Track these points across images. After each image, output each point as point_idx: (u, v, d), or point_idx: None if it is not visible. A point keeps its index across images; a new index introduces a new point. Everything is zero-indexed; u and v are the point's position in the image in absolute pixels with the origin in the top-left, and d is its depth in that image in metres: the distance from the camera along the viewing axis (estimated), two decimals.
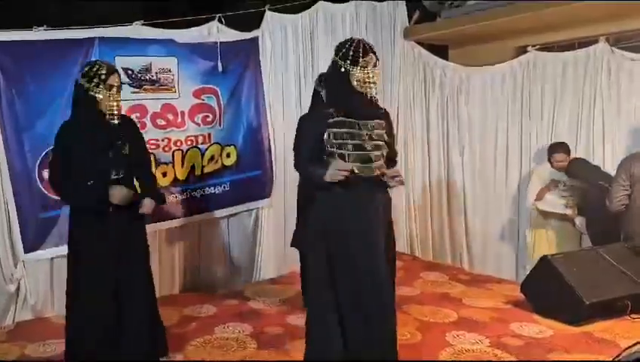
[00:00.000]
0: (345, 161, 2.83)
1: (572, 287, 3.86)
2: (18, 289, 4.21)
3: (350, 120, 2.87)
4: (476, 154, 5.74)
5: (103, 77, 3.03)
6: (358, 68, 2.82)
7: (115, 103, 3.07)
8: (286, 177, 5.12)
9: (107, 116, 3.07)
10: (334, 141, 2.85)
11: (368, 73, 2.82)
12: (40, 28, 4.09)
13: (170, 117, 4.61)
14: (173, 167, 4.64)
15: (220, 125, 4.86)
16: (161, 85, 4.55)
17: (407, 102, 6.09)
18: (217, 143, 4.85)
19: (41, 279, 4.27)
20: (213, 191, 4.86)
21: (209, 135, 4.82)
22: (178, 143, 4.66)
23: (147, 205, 3.21)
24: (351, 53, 2.83)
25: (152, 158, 4.17)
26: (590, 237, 4.61)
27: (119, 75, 3.18)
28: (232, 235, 5.13)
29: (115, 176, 3.11)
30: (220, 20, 4.81)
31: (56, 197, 4.14)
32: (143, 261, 3.25)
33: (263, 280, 5.14)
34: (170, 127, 4.61)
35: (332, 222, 2.89)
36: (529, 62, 5.30)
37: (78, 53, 4.21)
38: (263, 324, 4.03)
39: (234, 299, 4.58)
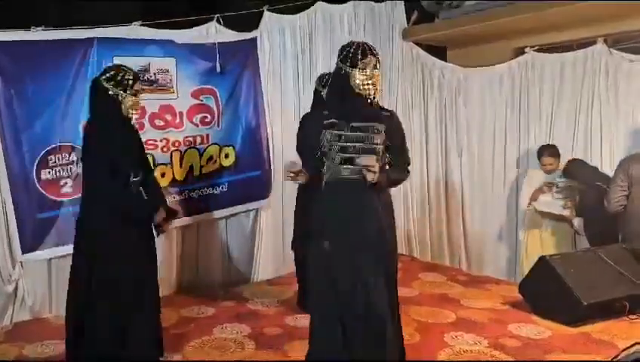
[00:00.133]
0: (332, 163, 2.88)
1: (570, 288, 3.87)
2: (16, 289, 4.20)
3: (339, 122, 2.89)
4: (474, 155, 5.75)
5: (130, 82, 3.10)
6: (357, 70, 2.82)
7: (138, 108, 3.20)
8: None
9: (130, 120, 3.18)
10: (326, 142, 2.89)
11: (367, 75, 2.82)
12: (38, 28, 4.09)
13: (169, 117, 4.60)
14: (172, 167, 4.64)
15: (218, 126, 4.86)
16: (160, 86, 4.55)
17: (405, 103, 6.09)
18: (216, 144, 4.85)
19: (39, 280, 4.26)
20: (211, 192, 4.86)
21: (207, 135, 4.81)
22: (176, 144, 4.66)
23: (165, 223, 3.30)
24: (350, 55, 2.84)
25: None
26: (588, 238, 4.62)
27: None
28: (231, 236, 5.13)
29: (135, 179, 3.16)
30: (218, 21, 4.81)
31: (55, 198, 4.19)
32: (155, 262, 3.31)
33: (261, 280, 5.15)
34: (168, 128, 4.61)
35: (317, 222, 2.98)
36: (527, 63, 5.30)
37: (77, 54, 4.22)
38: (261, 325, 4.03)
39: (232, 300, 4.58)
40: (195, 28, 4.76)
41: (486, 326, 3.98)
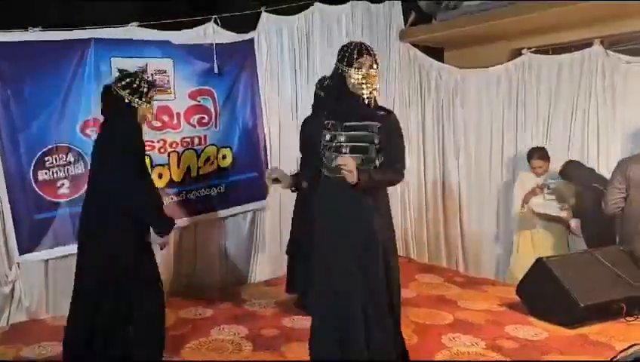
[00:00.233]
0: (329, 163, 2.90)
1: (567, 290, 3.87)
2: (13, 290, 4.19)
3: (335, 122, 2.91)
4: (471, 156, 5.76)
5: (145, 90, 3.15)
6: (353, 69, 2.84)
7: (152, 116, 3.32)
8: None
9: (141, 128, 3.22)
10: (324, 143, 2.93)
11: (363, 74, 2.83)
12: (35, 29, 4.08)
13: (166, 118, 4.60)
14: (169, 168, 4.64)
15: (215, 127, 4.85)
16: (157, 86, 4.53)
17: (402, 104, 6.09)
18: (213, 145, 4.85)
19: (36, 281, 4.25)
20: (208, 193, 4.85)
21: (205, 136, 4.80)
22: (174, 145, 4.65)
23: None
24: (347, 54, 2.86)
25: None
26: (585, 240, 4.63)
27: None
28: (228, 237, 5.12)
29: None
30: (215, 22, 4.80)
31: (52, 199, 4.18)
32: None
33: (258, 282, 5.15)
34: (165, 129, 4.60)
35: (316, 222, 3.01)
36: (524, 65, 5.31)
37: (74, 54, 4.22)
38: (258, 326, 4.03)
39: (229, 301, 4.58)
40: (192, 29, 4.76)
41: (483, 327, 3.98)
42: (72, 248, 3.95)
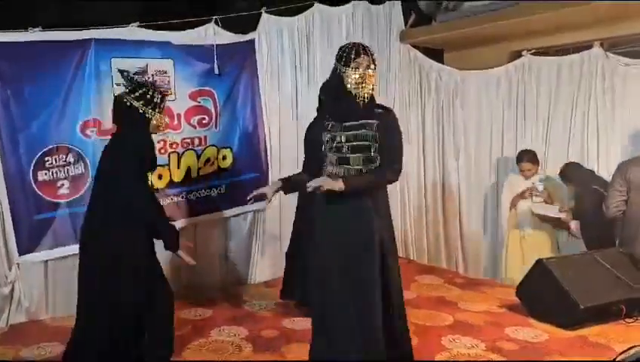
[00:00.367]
0: (330, 164, 2.93)
1: (567, 291, 3.87)
2: (12, 291, 4.17)
3: (335, 123, 2.93)
4: (471, 157, 5.76)
5: (158, 100, 3.21)
6: (350, 69, 2.85)
7: (164, 126, 3.34)
8: None
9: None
10: (325, 144, 2.95)
11: (360, 74, 2.84)
12: (35, 29, 4.07)
13: (166, 119, 4.58)
14: (169, 169, 4.63)
15: (216, 127, 4.85)
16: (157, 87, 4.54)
17: (402, 105, 6.09)
18: (213, 145, 4.84)
19: (35, 281, 4.24)
20: (209, 194, 4.86)
21: (205, 137, 4.80)
22: (174, 145, 4.65)
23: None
24: (345, 54, 2.88)
25: None
26: (585, 242, 4.64)
27: None
28: (228, 238, 5.12)
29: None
30: (216, 22, 4.80)
31: (51, 199, 4.18)
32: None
33: (258, 282, 5.15)
34: (165, 129, 4.57)
35: (315, 223, 3.03)
36: (524, 66, 5.32)
37: (74, 55, 4.21)
38: (258, 327, 4.03)
39: (230, 302, 4.58)
40: (193, 30, 4.75)
41: (483, 329, 3.99)
42: (72, 249, 4.00)
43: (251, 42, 5.04)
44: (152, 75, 4.49)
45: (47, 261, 4.24)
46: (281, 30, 5.22)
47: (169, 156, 4.62)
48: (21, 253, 4.13)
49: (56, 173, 4.20)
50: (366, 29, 5.77)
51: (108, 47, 4.30)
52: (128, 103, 3.13)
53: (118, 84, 4.20)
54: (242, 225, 5.15)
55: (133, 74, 4.37)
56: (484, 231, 5.65)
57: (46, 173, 4.16)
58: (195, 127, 4.74)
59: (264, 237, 5.18)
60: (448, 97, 5.87)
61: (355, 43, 2.95)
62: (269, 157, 5.14)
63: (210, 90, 4.80)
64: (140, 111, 3.14)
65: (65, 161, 4.22)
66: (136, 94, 3.16)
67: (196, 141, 4.76)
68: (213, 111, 4.82)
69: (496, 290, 4.89)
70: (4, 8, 4.26)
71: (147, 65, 4.47)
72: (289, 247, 4.41)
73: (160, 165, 4.52)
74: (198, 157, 4.77)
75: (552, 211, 4.83)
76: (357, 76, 2.84)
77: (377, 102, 3.00)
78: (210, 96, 4.81)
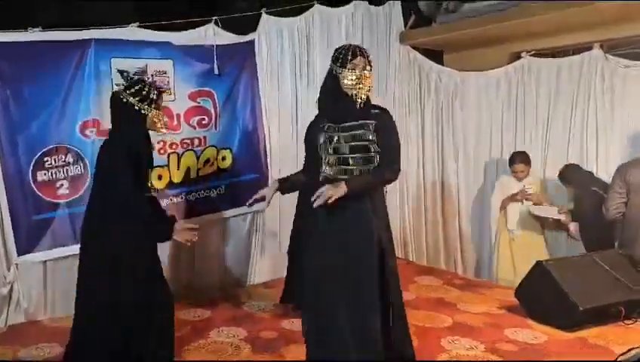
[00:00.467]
0: (328, 165, 2.92)
1: (566, 293, 3.86)
2: (11, 292, 4.17)
3: (332, 124, 2.93)
4: (471, 159, 5.76)
5: (154, 97, 3.16)
6: (347, 70, 2.85)
7: (161, 123, 3.25)
8: None
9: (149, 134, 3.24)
10: (322, 145, 2.94)
11: (356, 75, 2.84)
12: (35, 29, 4.07)
13: (165, 119, 4.58)
14: (169, 169, 4.63)
15: (215, 128, 4.85)
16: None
17: (402, 107, 6.10)
18: (213, 146, 4.84)
19: (34, 282, 4.23)
20: (208, 194, 4.85)
21: (205, 138, 4.80)
22: (173, 146, 4.64)
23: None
24: (341, 56, 2.88)
25: None
26: (584, 244, 4.64)
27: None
28: (228, 239, 5.12)
29: (148, 194, 3.22)
30: (216, 23, 4.79)
31: (51, 200, 4.17)
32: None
33: (257, 283, 5.14)
34: (167, 131, 4.59)
35: (312, 223, 3.02)
36: (523, 68, 5.33)
37: (74, 55, 4.20)
38: (257, 328, 4.02)
39: (228, 303, 4.57)
40: (193, 30, 4.75)
41: (482, 330, 3.98)
42: (71, 249, 4.00)
43: (251, 43, 5.04)
44: (152, 76, 4.48)
45: (45, 261, 4.23)
46: (281, 31, 5.22)
47: (169, 157, 4.62)
48: (20, 253, 4.12)
49: (56, 173, 4.19)
50: (366, 29, 5.77)
51: (108, 48, 4.29)
52: (124, 100, 3.11)
53: (117, 85, 4.20)
54: (241, 225, 5.15)
55: (133, 74, 4.36)
56: (483, 232, 5.65)
57: (45, 174, 4.16)
58: (195, 128, 4.74)
59: (263, 238, 5.18)
60: (448, 98, 5.88)
61: (351, 44, 2.96)
62: (268, 158, 5.13)
63: (209, 91, 4.80)
64: (136, 107, 3.11)
65: (64, 161, 4.21)
66: (132, 90, 3.14)
67: (196, 142, 4.75)
68: (212, 111, 4.82)
69: (495, 291, 4.88)
70: (4, 8, 4.26)
71: (147, 66, 4.47)
72: (289, 246, 4.41)
73: (160, 166, 4.54)
74: (198, 157, 4.77)
75: (552, 213, 4.84)
76: (354, 77, 2.84)
77: (376, 103, 3.01)
78: (210, 96, 4.80)
